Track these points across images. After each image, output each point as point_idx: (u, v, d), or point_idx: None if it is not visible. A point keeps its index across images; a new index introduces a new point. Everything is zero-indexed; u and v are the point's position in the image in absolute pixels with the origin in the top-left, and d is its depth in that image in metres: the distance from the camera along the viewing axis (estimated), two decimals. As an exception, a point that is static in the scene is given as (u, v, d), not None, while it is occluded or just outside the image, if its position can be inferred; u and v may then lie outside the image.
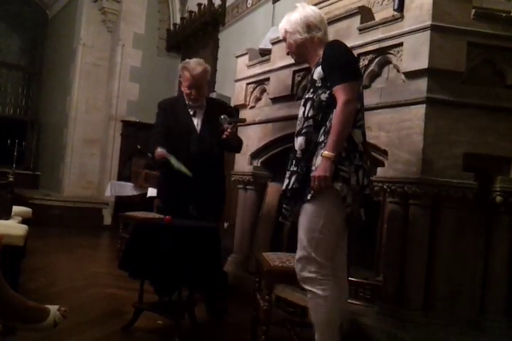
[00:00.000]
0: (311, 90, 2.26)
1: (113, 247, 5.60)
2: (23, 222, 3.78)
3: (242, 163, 4.03)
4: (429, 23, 2.49)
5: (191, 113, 3.21)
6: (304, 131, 2.21)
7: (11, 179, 3.89)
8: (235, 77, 4.35)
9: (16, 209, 3.95)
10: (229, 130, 2.96)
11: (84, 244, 5.91)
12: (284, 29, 2.39)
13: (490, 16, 2.55)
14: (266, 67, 3.87)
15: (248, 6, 6.08)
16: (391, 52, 2.73)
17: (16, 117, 10.15)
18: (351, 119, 2.11)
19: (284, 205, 2.29)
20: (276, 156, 3.80)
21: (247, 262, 3.83)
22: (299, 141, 2.22)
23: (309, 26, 2.31)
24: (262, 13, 5.68)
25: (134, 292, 2.95)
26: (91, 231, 6.93)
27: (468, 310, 2.63)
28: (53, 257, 4.83)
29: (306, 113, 2.23)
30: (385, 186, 2.65)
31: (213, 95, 5.19)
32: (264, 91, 3.98)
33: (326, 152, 2.05)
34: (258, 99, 4.07)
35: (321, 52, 2.27)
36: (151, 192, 6.08)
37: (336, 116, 2.09)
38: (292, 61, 2.89)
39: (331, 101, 2.15)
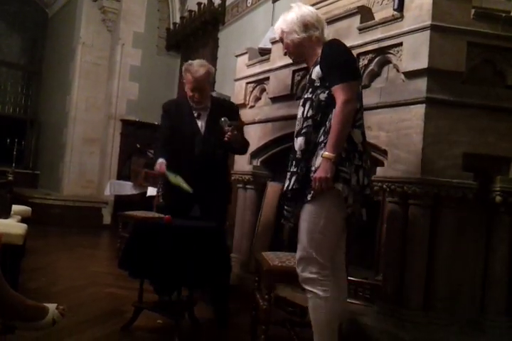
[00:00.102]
0: (310, 90, 2.25)
1: (113, 246, 5.61)
2: (23, 221, 3.78)
3: (242, 163, 4.03)
4: (428, 22, 2.48)
5: (195, 115, 3.17)
6: (303, 131, 2.19)
7: (10, 178, 3.89)
8: (235, 77, 4.34)
9: (15, 208, 3.96)
10: (229, 133, 2.92)
11: (84, 244, 5.91)
12: (281, 29, 2.36)
13: (490, 16, 2.55)
14: (265, 67, 3.87)
15: (248, 5, 6.08)
16: (391, 51, 2.73)
17: (15, 116, 10.15)
18: (350, 119, 2.10)
19: (285, 207, 2.27)
20: (276, 156, 3.80)
21: (246, 262, 3.83)
22: (298, 142, 2.20)
23: (306, 25, 2.29)
24: (261, 13, 5.68)
25: (134, 291, 2.95)
26: (90, 231, 6.94)
27: (468, 310, 2.63)
28: (53, 256, 4.83)
29: (305, 113, 2.22)
30: (384, 186, 2.65)
31: (213, 94, 5.17)
32: (263, 90, 3.97)
33: (327, 153, 2.04)
34: (258, 99, 4.07)
35: (319, 52, 2.26)
36: (151, 191, 6.08)
37: (335, 117, 2.08)
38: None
39: (330, 101, 2.14)
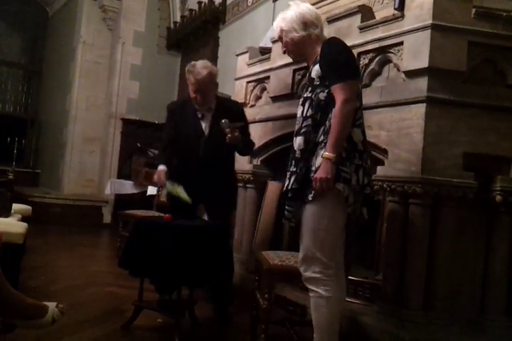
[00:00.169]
0: (310, 89, 2.24)
1: (113, 245, 5.61)
2: (23, 219, 3.78)
3: (242, 162, 4.03)
4: (429, 22, 2.48)
5: (199, 116, 3.14)
6: (302, 130, 2.19)
7: (10, 177, 3.89)
8: (235, 76, 4.35)
9: (15, 207, 3.96)
10: (229, 135, 2.91)
11: (84, 242, 5.91)
12: (280, 27, 2.35)
13: (490, 15, 2.54)
14: (266, 66, 3.87)
15: (249, 4, 6.08)
16: (391, 51, 2.73)
17: (16, 115, 10.14)
18: (350, 119, 2.09)
19: (286, 207, 2.25)
20: (276, 155, 3.80)
21: (247, 261, 3.82)
22: (297, 141, 2.20)
23: (305, 23, 2.28)
24: (262, 12, 5.67)
25: (134, 290, 2.96)
26: (91, 230, 6.93)
27: (468, 309, 2.63)
28: (53, 255, 4.83)
29: (304, 112, 2.21)
30: (384, 185, 2.65)
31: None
32: (264, 89, 3.97)
33: (327, 153, 2.04)
34: (258, 98, 4.07)
35: (318, 50, 2.24)
36: (151, 190, 6.08)
37: (334, 116, 2.07)
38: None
39: (330, 100, 2.13)
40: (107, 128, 7.91)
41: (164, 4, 8.17)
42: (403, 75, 2.65)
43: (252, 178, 3.91)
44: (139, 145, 7.45)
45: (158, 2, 8.13)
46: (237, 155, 3.37)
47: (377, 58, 2.83)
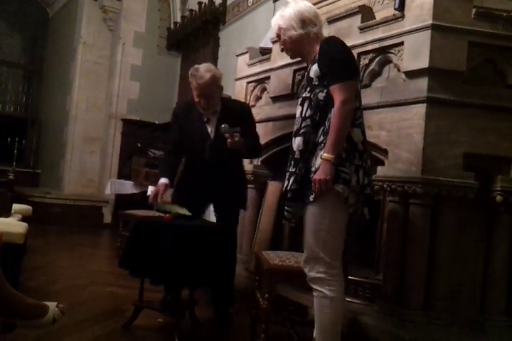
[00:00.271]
0: (308, 89, 2.22)
1: (113, 245, 5.61)
2: (23, 219, 3.78)
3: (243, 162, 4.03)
4: (429, 22, 2.48)
5: (205, 120, 3.10)
6: (301, 131, 2.17)
7: (11, 177, 3.89)
8: (236, 76, 4.35)
9: (16, 207, 3.96)
10: (229, 140, 2.87)
11: (85, 242, 5.91)
12: (278, 25, 2.32)
13: (491, 16, 2.55)
14: (266, 66, 3.87)
15: (249, 4, 6.08)
16: (392, 51, 2.73)
17: (16, 115, 10.15)
18: (349, 119, 2.08)
19: (285, 207, 2.24)
20: (276, 155, 3.80)
21: (247, 261, 3.83)
22: (296, 142, 2.18)
23: (304, 21, 2.26)
24: (262, 12, 5.67)
25: (134, 290, 2.96)
26: (91, 230, 6.94)
27: (469, 309, 2.63)
28: (53, 255, 4.83)
29: (303, 113, 2.19)
30: (385, 185, 2.65)
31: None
32: (264, 90, 3.98)
33: (326, 154, 2.03)
34: (258, 98, 4.07)
35: (317, 48, 2.22)
36: (151, 190, 6.07)
37: (333, 117, 2.06)
38: (292, 60, 2.88)
39: (329, 100, 2.11)
40: (107, 128, 7.91)
41: (164, 5, 8.17)
42: (403, 75, 2.65)
43: (252, 178, 3.91)
44: (139, 145, 7.45)
45: (159, 3, 8.13)
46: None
47: (377, 58, 2.84)
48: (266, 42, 4.17)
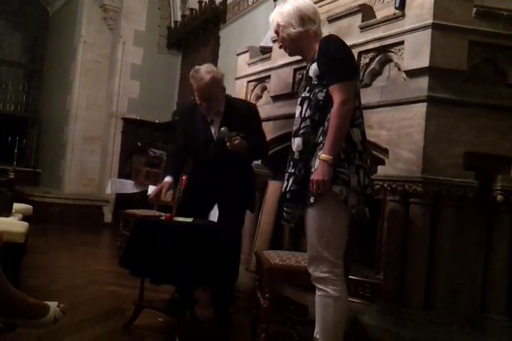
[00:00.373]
0: (307, 88, 2.20)
1: (113, 245, 5.61)
2: (24, 219, 3.78)
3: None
4: (430, 21, 2.48)
5: (208, 120, 3.09)
6: (301, 131, 2.16)
7: (11, 176, 3.89)
8: (236, 75, 4.34)
9: (16, 206, 3.96)
10: (228, 144, 2.84)
11: (85, 242, 5.92)
12: (277, 22, 2.30)
13: (491, 15, 2.54)
14: (267, 65, 3.87)
15: (249, 3, 6.08)
16: (392, 50, 2.73)
17: (16, 114, 10.14)
18: (348, 120, 2.06)
19: (284, 208, 2.23)
20: (277, 154, 3.79)
21: (247, 261, 3.83)
22: (296, 142, 2.17)
23: (303, 19, 2.23)
24: (263, 11, 5.67)
25: (135, 289, 2.96)
26: (91, 229, 6.95)
27: (469, 308, 2.63)
28: (54, 255, 4.83)
29: (303, 113, 2.18)
30: (385, 184, 2.65)
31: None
32: (264, 89, 3.97)
33: (323, 155, 2.01)
34: (259, 97, 4.06)
35: (316, 47, 2.20)
36: (152, 189, 6.07)
37: (332, 118, 2.04)
38: (293, 59, 2.88)
39: (328, 100, 2.09)
40: (108, 127, 7.91)
41: (165, 3, 8.17)
42: (404, 75, 2.65)
43: (252, 178, 3.90)
44: (139, 144, 7.45)
45: (159, 1, 8.13)
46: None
47: (377, 58, 2.83)
48: (266, 41, 4.17)
